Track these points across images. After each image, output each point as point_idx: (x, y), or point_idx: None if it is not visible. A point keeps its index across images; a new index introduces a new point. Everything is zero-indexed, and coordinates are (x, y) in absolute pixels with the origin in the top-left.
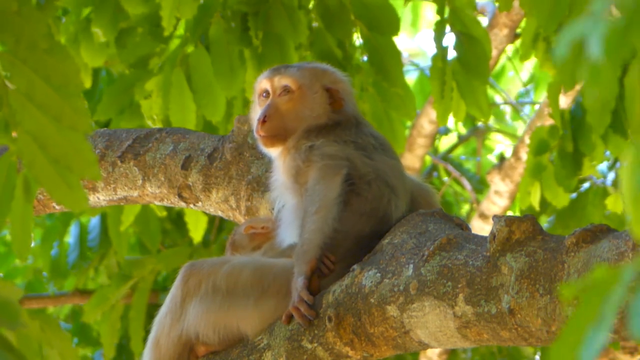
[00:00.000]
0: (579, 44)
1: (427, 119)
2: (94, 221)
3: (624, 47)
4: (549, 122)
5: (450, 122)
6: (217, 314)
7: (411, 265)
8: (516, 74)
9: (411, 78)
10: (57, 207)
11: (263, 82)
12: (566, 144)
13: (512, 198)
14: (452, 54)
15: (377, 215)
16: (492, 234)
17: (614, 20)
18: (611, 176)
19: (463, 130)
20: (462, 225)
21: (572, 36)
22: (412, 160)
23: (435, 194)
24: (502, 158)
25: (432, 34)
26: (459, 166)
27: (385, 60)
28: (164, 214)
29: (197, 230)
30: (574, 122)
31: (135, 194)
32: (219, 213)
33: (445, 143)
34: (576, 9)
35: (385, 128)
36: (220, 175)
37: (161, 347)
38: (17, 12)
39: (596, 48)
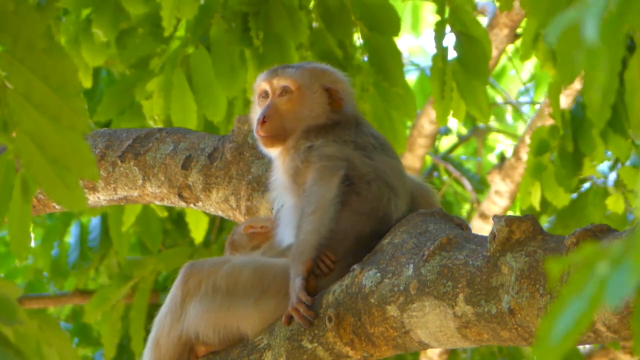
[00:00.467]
0: (575, 30)
1: (428, 119)
2: (95, 221)
3: (619, 29)
4: (550, 122)
5: (451, 122)
6: (217, 314)
7: (411, 265)
8: (517, 74)
9: (411, 78)
10: (57, 206)
11: (262, 83)
12: (566, 144)
13: (513, 198)
14: (452, 54)
15: (377, 215)
16: (492, 233)
17: (608, 4)
18: (612, 176)
19: (463, 130)
20: (462, 225)
21: (566, 20)
22: (413, 160)
23: (436, 193)
24: (502, 158)
25: (432, 33)
26: (459, 166)
27: (386, 60)
28: (165, 214)
29: (198, 230)
30: (575, 122)
31: (136, 193)
32: (219, 213)
33: (445, 143)
34: (575, 6)
35: (386, 128)
36: (220, 175)
37: (161, 347)
38: (14, 12)
39: (592, 31)
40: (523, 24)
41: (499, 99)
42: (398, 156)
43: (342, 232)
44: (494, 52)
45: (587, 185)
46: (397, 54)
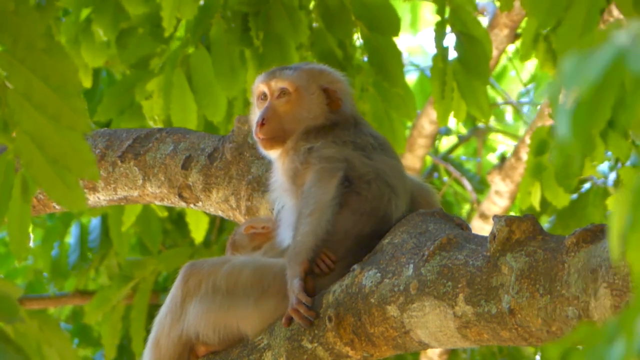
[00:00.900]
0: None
1: (428, 120)
2: (95, 222)
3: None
4: (550, 122)
5: (451, 122)
6: (217, 314)
7: (411, 265)
8: (517, 75)
9: (411, 78)
10: (57, 206)
11: (260, 85)
12: None
13: (513, 198)
14: (452, 54)
15: (377, 214)
16: (493, 233)
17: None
18: (612, 176)
19: (463, 131)
20: (462, 225)
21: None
22: (413, 160)
23: (436, 193)
24: (502, 158)
25: (432, 33)
26: (459, 166)
27: (386, 61)
28: (165, 214)
29: (198, 230)
30: None
31: (136, 193)
32: (219, 213)
33: (445, 143)
34: (574, 5)
35: (386, 128)
36: (220, 175)
37: (161, 347)
38: (14, 12)
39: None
40: (523, 24)
41: (499, 100)
42: (398, 156)
43: (342, 232)
44: (494, 53)
45: (587, 185)
46: (397, 54)
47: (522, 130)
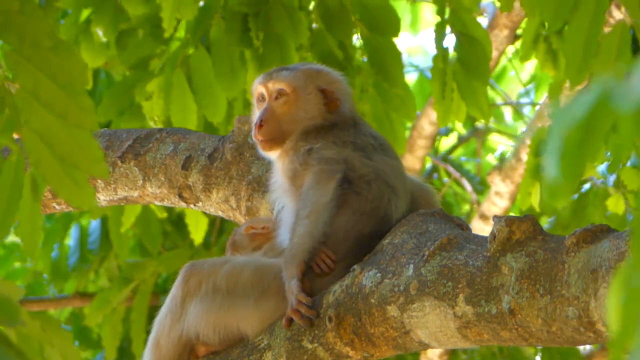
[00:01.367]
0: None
1: (428, 120)
2: (95, 224)
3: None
4: (550, 122)
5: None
6: (217, 314)
7: (411, 266)
8: (517, 75)
9: (411, 79)
10: (57, 207)
11: (259, 87)
12: None
13: (513, 199)
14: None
15: (377, 215)
16: (493, 234)
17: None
18: (612, 177)
19: (463, 131)
20: (463, 226)
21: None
22: (413, 161)
23: (436, 194)
24: (502, 159)
25: (432, 33)
26: (459, 167)
27: (386, 61)
28: (165, 215)
29: (197, 231)
30: None
31: (136, 194)
32: (220, 213)
33: (445, 144)
34: (582, 5)
35: (386, 129)
36: (220, 175)
37: (161, 347)
38: (19, 11)
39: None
40: (523, 25)
41: (498, 100)
42: (398, 156)
43: (342, 232)
44: (494, 53)
45: (587, 186)
46: (397, 54)
47: (522, 130)
